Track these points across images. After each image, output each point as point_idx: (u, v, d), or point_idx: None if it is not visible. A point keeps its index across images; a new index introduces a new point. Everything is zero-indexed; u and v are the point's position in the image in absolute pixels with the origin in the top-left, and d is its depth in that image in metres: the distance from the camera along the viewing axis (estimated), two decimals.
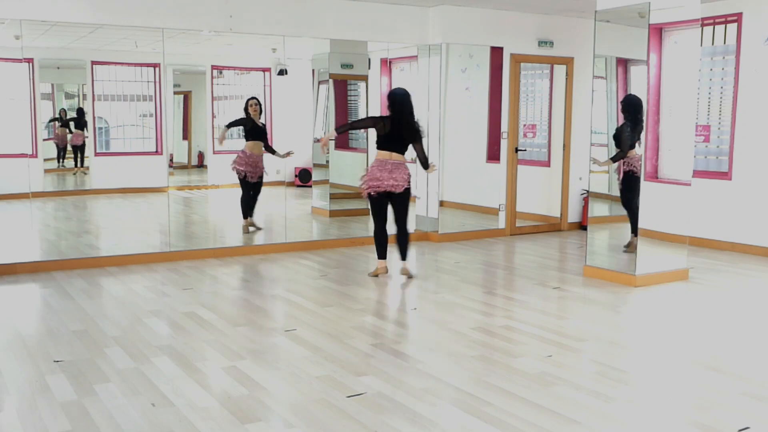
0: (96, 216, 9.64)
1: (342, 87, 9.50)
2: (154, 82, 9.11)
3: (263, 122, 8.48)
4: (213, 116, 9.38)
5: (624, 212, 7.14)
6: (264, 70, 9.88)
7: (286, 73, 9.63)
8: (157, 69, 8.94)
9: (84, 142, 8.94)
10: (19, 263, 6.78)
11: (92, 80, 8.92)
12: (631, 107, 6.82)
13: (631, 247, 7.04)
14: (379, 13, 8.32)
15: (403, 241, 6.60)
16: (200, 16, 7.39)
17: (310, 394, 3.87)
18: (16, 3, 6.59)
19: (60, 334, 4.89)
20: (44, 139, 8.75)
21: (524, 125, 9.46)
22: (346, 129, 6.89)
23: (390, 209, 6.55)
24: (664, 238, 6.87)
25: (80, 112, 9.04)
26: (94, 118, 8.96)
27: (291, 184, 10.32)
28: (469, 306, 5.75)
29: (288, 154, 8.48)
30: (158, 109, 9.12)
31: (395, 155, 6.41)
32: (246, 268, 7.25)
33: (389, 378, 4.12)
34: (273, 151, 8.52)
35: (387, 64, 9.85)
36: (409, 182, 6.45)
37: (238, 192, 8.46)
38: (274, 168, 8.68)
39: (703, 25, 8.02)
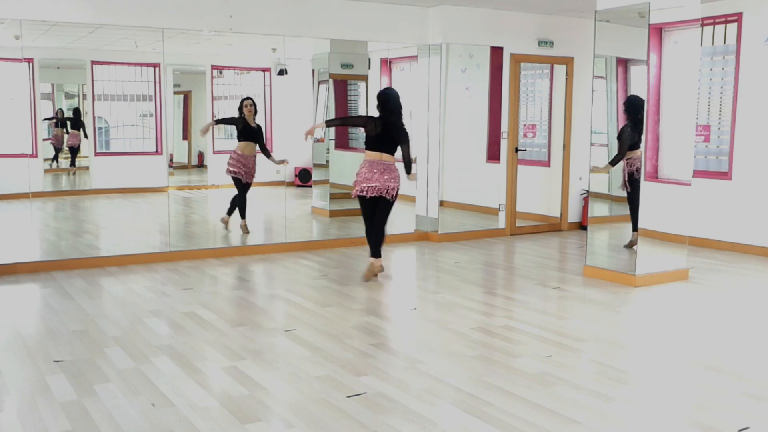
0: (96, 216, 9.64)
1: (342, 87, 9.50)
2: (154, 82, 9.11)
3: (258, 124, 8.39)
4: (213, 116, 9.38)
5: (624, 212, 7.14)
6: (264, 70, 9.88)
7: (286, 73, 9.63)
8: (157, 69, 8.94)
9: (80, 143, 8.93)
10: (19, 263, 6.78)
11: (92, 80, 8.92)
12: (633, 108, 6.81)
13: (630, 244, 7.05)
14: (379, 13, 8.32)
15: (379, 238, 6.52)
16: (200, 16, 7.39)
17: (310, 394, 3.87)
18: (16, 3, 6.59)
19: (60, 334, 4.89)
20: (44, 139, 8.75)
21: (524, 125, 9.47)
22: (336, 124, 6.80)
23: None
24: (664, 238, 6.87)
25: (76, 112, 9.03)
26: (94, 118, 8.96)
27: (291, 184, 10.32)
28: (469, 306, 5.76)
29: (282, 161, 8.41)
30: (158, 109, 9.12)
31: (385, 156, 6.37)
32: (246, 269, 7.25)
33: (389, 378, 4.12)
34: (268, 155, 8.43)
35: (387, 64, 9.85)
36: (398, 186, 6.41)
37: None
38: (272, 169, 8.65)
39: (703, 25, 8.02)
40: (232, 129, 8.61)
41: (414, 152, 8.82)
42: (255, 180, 8.43)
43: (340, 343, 4.76)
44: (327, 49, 8.73)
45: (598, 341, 4.91)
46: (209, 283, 6.65)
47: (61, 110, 8.98)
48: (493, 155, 9.13)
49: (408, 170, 6.48)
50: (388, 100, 6.39)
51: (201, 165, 9.70)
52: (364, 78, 9.45)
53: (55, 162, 8.86)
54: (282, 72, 9.65)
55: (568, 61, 9.34)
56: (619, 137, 7.19)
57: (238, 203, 8.35)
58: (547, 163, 9.64)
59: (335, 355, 4.51)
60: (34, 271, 6.79)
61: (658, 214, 6.62)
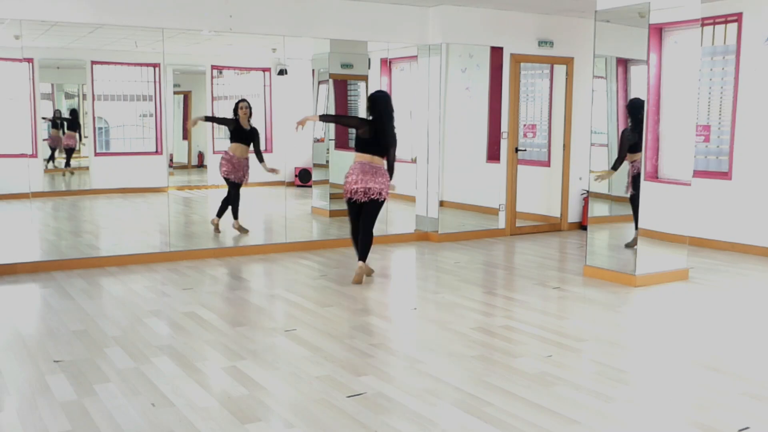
0: (96, 216, 9.64)
1: (342, 87, 9.50)
2: (154, 82, 9.11)
3: (254, 127, 8.31)
4: (213, 115, 9.37)
5: (624, 212, 7.14)
6: (264, 70, 9.88)
7: (286, 73, 9.63)
8: (157, 69, 8.93)
9: (76, 144, 8.92)
10: (19, 263, 6.78)
11: (92, 80, 8.92)
12: (637, 110, 6.76)
13: (632, 243, 7.05)
14: (379, 13, 8.32)
15: (366, 241, 6.44)
16: (200, 16, 7.39)
17: (310, 394, 3.87)
18: (16, 3, 6.59)
19: (60, 334, 4.89)
20: (44, 139, 8.75)
21: (524, 125, 9.47)
22: (330, 120, 6.70)
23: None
24: (664, 238, 6.87)
25: (73, 113, 9.02)
26: (94, 118, 8.96)
27: (291, 184, 10.32)
28: (469, 306, 5.75)
29: (273, 170, 8.35)
30: (158, 109, 9.12)
31: (376, 158, 6.34)
32: (246, 268, 7.25)
33: (389, 378, 4.12)
34: (261, 159, 8.35)
35: (387, 64, 9.85)
36: (387, 190, 6.37)
37: (243, 191, 8.44)
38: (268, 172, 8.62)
39: (703, 25, 8.02)
40: (222, 129, 8.61)
41: (414, 153, 8.83)
42: (255, 180, 8.41)
43: (340, 343, 4.76)
44: (327, 49, 8.72)
45: (598, 341, 4.91)
46: (209, 283, 6.65)
47: (59, 111, 8.97)
48: (493, 155, 9.13)
49: (390, 176, 6.43)
50: (378, 102, 6.34)
51: (201, 165, 9.70)
52: (364, 78, 9.44)
53: (51, 162, 8.85)
54: (282, 72, 9.65)
55: (568, 61, 9.34)
56: (621, 138, 7.19)
57: (231, 203, 8.32)
58: (547, 163, 9.64)
59: (335, 355, 4.51)
60: (34, 271, 6.79)
61: (658, 214, 6.62)
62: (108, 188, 9.31)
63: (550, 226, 9.62)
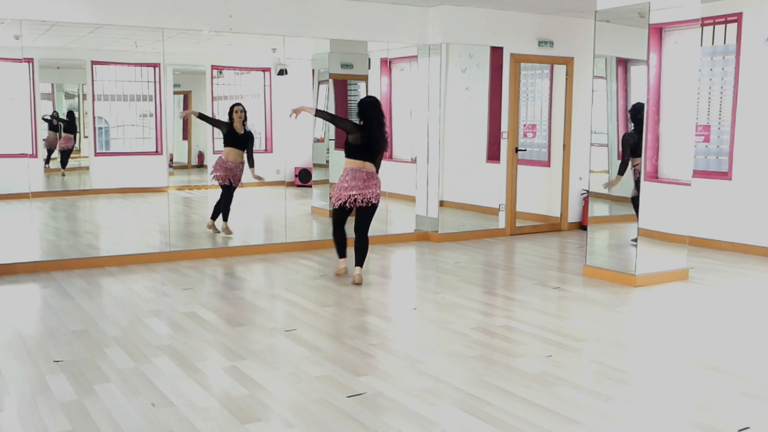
0: (96, 216, 9.64)
1: (342, 87, 9.49)
2: (154, 82, 9.11)
3: (250, 130, 8.24)
4: (213, 116, 9.37)
5: (624, 212, 7.13)
6: (264, 70, 9.87)
7: (286, 73, 9.63)
8: (157, 69, 8.93)
9: (73, 146, 8.92)
10: (19, 263, 6.78)
11: (92, 80, 8.92)
12: (641, 115, 6.72)
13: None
14: (379, 13, 8.32)
15: (363, 248, 6.45)
16: (200, 16, 7.39)
17: (310, 394, 3.87)
18: (16, 3, 6.59)
19: (60, 334, 4.89)
20: (44, 139, 8.75)
21: (524, 125, 9.47)
22: (325, 117, 6.58)
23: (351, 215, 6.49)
24: (664, 238, 6.87)
25: (70, 115, 9.02)
26: (94, 118, 8.96)
27: (291, 184, 10.32)
28: (469, 306, 5.76)
29: (259, 177, 8.29)
30: (158, 109, 9.12)
31: (367, 164, 6.35)
32: (246, 268, 7.25)
33: (389, 378, 4.12)
34: (251, 164, 8.27)
35: (387, 64, 9.85)
36: (379, 195, 6.39)
37: (238, 192, 8.42)
38: (272, 169, 8.62)
39: (703, 25, 8.02)
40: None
41: (414, 153, 8.84)
42: (255, 180, 8.40)
43: (340, 343, 4.76)
44: (327, 49, 8.72)
45: (598, 341, 4.91)
46: (209, 283, 6.65)
47: (56, 113, 8.97)
48: (493, 155, 9.13)
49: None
50: (367, 108, 6.32)
51: (201, 165, 9.70)
52: (364, 78, 9.44)
53: (46, 164, 8.85)
54: (282, 72, 9.65)
55: (568, 61, 9.34)
56: (623, 143, 7.19)
57: (222, 206, 8.32)
58: (547, 163, 9.64)
59: (335, 355, 4.51)
60: (34, 271, 6.79)
61: (658, 214, 6.62)
62: (108, 188, 9.31)
63: (550, 226, 9.62)
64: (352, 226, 6.54)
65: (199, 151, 9.69)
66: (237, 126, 8.15)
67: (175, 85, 9.34)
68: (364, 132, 6.28)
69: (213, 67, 9.47)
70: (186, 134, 9.67)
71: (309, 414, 3.61)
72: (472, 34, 8.75)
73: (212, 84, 9.46)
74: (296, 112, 6.40)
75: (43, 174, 8.79)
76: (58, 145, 8.89)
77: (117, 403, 3.71)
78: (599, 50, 6.92)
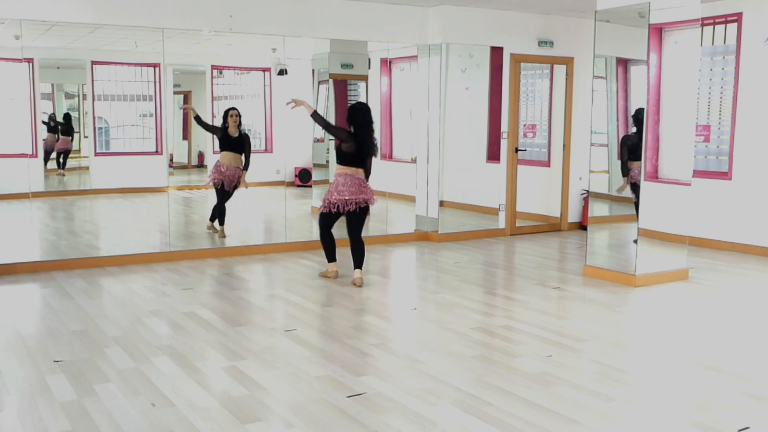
0: (96, 216, 9.64)
1: (342, 87, 9.50)
2: (154, 82, 9.11)
3: (245, 133, 8.20)
4: (213, 116, 9.36)
5: (624, 212, 7.14)
6: (264, 70, 9.87)
7: (286, 73, 9.62)
8: (157, 69, 8.93)
9: (70, 147, 8.93)
10: (19, 263, 6.78)
11: (92, 80, 8.92)
12: (642, 116, 6.70)
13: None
14: (379, 13, 8.32)
15: (361, 250, 6.47)
16: (200, 16, 7.39)
17: (310, 394, 3.87)
18: (16, 3, 6.59)
19: (60, 334, 4.89)
20: (43, 139, 8.75)
21: (524, 125, 9.47)
22: (320, 122, 6.55)
23: (341, 220, 6.51)
24: (664, 238, 6.87)
25: (67, 117, 9.02)
26: (94, 118, 8.96)
27: (291, 184, 10.32)
28: (469, 306, 5.75)
29: (245, 184, 8.23)
30: (158, 109, 9.12)
31: (360, 170, 6.38)
32: (246, 268, 7.25)
33: (389, 378, 4.12)
34: (246, 167, 8.21)
35: (387, 64, 9.85)
36: (372, 199, 6.43)
37: (238, 193, 8.42)
38: (272, 169, 8.62)
39: (703, 25, 8.02)
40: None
41: (414, 153, 8.84)
42: (255, 180, 8.40)
43: (340, 343, 4.76)
44: (327, 49, 8.72)
45: (598, 341, 4.91)
46: (209, 283, 6.65)
47: (54, 115, 8.97)
48: (493, 155, 9.13)
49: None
50: (357, 115, 6.34)
51: (201, 165, 9.69)
52: (364, 78, 9.45)
53: (46, 165, 8.86)
54: (282, 72, 9.65)
55: (568, 61, 9.34)
56: (621, 144, 7.19)
57: (215, 208, 8.32)
58: (547, 163, 9.64)
59: (335, 355, 4.51)
60: (34, 271, 6.79)
61: (658, 214, 6.62)
62: (108, 188, 9.31)
63: (550, 226, 9.62)
64: (339, 231, 6.56)
65: (199, 151, 9.68)
66: (232, 130, 8.11)
67: (175, 85, 9.34)
68: (356, 139, 6.32)
69: (213, 67, 9.47)
70: (186, 134, 9.67)
71: (309, 414, 3.61)
72: (472, 34, 8.75)
73: (212, 84, 9.46)
74: (296, 102, 6.40)
75: (43, 174, 8.79)
76: (55, 147, 8.89)
77: (117, 403, 3.71)
78: (599, 50, 6.92)
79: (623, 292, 6.30)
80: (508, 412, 3.62)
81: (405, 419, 3.54)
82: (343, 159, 6.38)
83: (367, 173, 6.48)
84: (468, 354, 4.57)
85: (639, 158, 6.80)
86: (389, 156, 10.31)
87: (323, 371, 4.21)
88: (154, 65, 8.95)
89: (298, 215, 9.16)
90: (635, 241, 6.55)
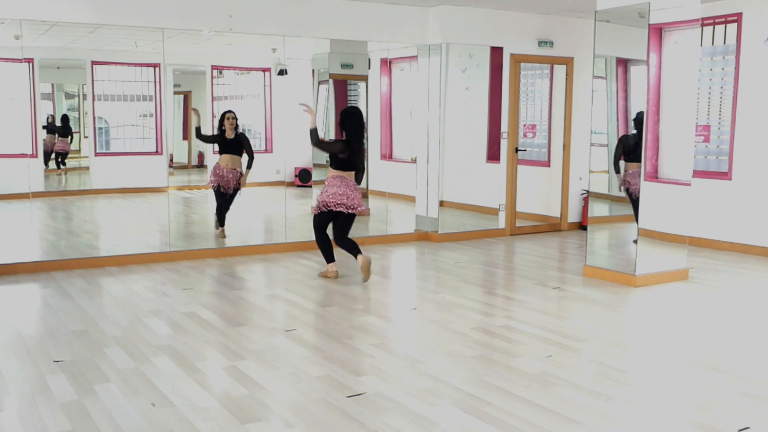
0: (96, 216, 9.64)
1: (342, 87, 9.50)
2: (154, 82, 9.11)
3: (240, 132, 8.18)
4: (213, 116, 9.37)
5: (624, 212, 7.14)
6: (264, 70, 9.87)
7: (286, 73, 9.63)
8: (157, 69, 8.93)
9: (68, 149, 8.94)
10: (19, 263, 6.78)
11: (92, 80, 8.92)
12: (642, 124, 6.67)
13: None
14: (379, 13, 8.32)
15: (350, 243, 6.56)
16: (200, 16, 7.39)
17: (310, 394, 3.87)
18: (16, 3, 6.59)
19: (60, 334, 4.89)
20: (43, 139, 8.75)
21: (524, 125, 9.47)
22: (314, 139, 6.56)
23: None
24: (664, 238, 6.86)
25: (64, 119, 9.02)
26: (94, 118, 8.96)
27: (291, 184, 10.32)
28: (469, 306, 5.76)
29: (245, 184, 8.27)
30: (158, 109, 9.12)
31: (352, 174, 6.55)
32: (246, 268, 7.25)
33: (389, 378, 4.12)
34: (249, 165, 8.24)
35: (387, 64, 9.85)
36: (361, 205, 6.58)
37: (239, 195, 8.42)
38: (272, 169, 8.62)
39: (703, 25, 8.02)
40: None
41: (414, 153, 8.84)
42: (255, 180, 8.40)
43: (340, 343, 4.76)
44: (327, 49, 8.72)
45: (598, 341, 4.91)
46: (209, 283, 6.65)
47: (52, 116, 8.97)
48: (493, 155, 9.13)
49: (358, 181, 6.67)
50: (349, 120, 6.46)
51: (201, 165, 9.69)
52: (364, 78, 9.45)
53: (46, 165, 8.87)
54: (282, 72, 9.65)
55: (568, 61, 9.34)
56: (619, 141, 7.19)
57: (217, 212, 8.31)
58: (547, 163, 9.64)
59: (335, 355, 4.51)
60: (34, 271, 6.79)
61: (658, 214, 6.62)
62: (108, 188, 9.31)
63: (550, 226, 9.62)
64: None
65: (199, 152, 9.68)
66: (228, 133, 8.11)
67: (175, 85, 9.34)
68: (347, 146, 6.45)
69: (213, 67, 9.47)
70: (186, 134, 9.67)
71: (309, 414, 3.61)
72: (472, 34, 8.75)
73: (212, 84, 9.46)
74: (308, 109, 6.53)
75: (43, 174, 8.79)
76: (54, 149, 8.90)
77: (117, 403, 3.71)
78: (599, 50, 6.92)
79: (623, 292, 6.30)
80: (508, 412, 3.62)
81: (405, 419, 3.54)
82: (337, 164, 6.52)
83: (360, 176, 6.62)
84: (468, 354, 4.57)
85: (636, 161, 6.82)
86: (389, 156, 10.31)
87: (323, 371, 4.21)
88: (154, 65, 8.95)
89: (298, 215, 9.15)
90: (635, 241, 6.56)
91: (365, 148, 6.63)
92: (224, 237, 8.29)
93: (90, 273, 6.79)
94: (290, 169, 10.30)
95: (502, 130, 9.03)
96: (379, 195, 9.40)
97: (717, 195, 8.19)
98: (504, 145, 9.06)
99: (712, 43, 8.29)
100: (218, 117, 8.30)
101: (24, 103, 8.42)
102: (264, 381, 4.05)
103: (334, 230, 6.61)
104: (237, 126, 8.19)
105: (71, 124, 9.09)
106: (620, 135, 7.41)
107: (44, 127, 8.74)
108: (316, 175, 9.66)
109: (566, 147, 9.50)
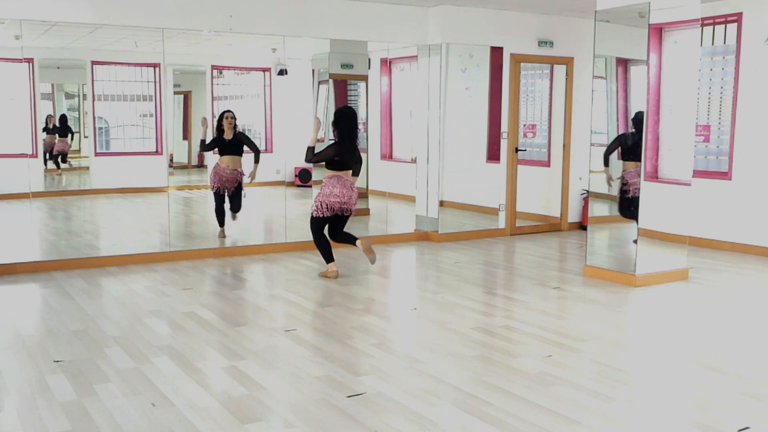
0: (96, 216, 9.64)
1: (342, 87, 9.50)
2: (154, 82, 9.11)
3: (238, 132, 8.17)
4: (213, 116, 9.37)
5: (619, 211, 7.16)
6: (264, 70, 9.87)
7: (286, 73, 9.63)
8: (157, 69, 8.94)
9: (68, 148, 8.94)
10: (19, 263, 6.78)
11: (92, 80, 8.92)
12: (641, 124, 6.66)
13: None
14: (379, 13, 8.32)
15: (347, 235, 6.73)
16: (200, 16, 7.39)
17: (310, 394, 3.87)
18: (16, 3, 6.59)
19: (60, 334, 4.89)
20: (43, 140, 8.75)
21: (524, 125, 9.47)
22: (309, 153, 6.62)
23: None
24: (664, 238, 6.86)
25: (63, 119, 9.03)
26: (94, 118, 8.96)
27: (291, 184, 10.32)
28: (469, 306, 5.75)
29: (252, 176, 8.32)
30: (158, 109, 9.12)
31: (348, 173, 6.60)
32: (246, 268, 7.25)
33: (389, 378, 4.12)
34: (256, 159, 8.29)
35: (387, 64, 9.85)
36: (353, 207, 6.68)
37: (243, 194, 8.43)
38: (272, 169, 8.63)
39: (703, 25, 8.02)
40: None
41: (414, 153, 8.85)
42: (256, 180, 8.39)
43: (340, 343, 4.76)
44: (327, 49, 8.72)
45: (598, 341, 4.91)
46: (209, 283, 6.65)
47: (51, 116, 8.97)
48: (493, 155, 9.13)
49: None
50: (342, 120, 6.53)
51: (201, 165, 9.70)
52: (364, 78, 9.44)
53: (46, 165, 8.87)
54: (282, 72, 9.65)
55: (568, 61, 9.34)
56: (617, 138, 7.19)
57: (216, 213, 8.31)
58: (547, 163, 9.64)
59: (335, 355, 4.51)
60: (34, 271, 6.79)
61: (658, 214, 6.62)
62: (108, 188, 9.31)
63: (550, 226, 9.62)
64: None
65: (199, 152, 9.68)
66: (226, 134, 8.10)
67: (175, 85, 9.34)
68: (341, 147, 6.51)
69: (213, 67, 9.47)
70: (186, 134, 9.68)
71: (309, 414, 3.61)
72: (472, 34, 8.75)
73: (212, 84, 9.46)
74: (316, 125, 6.75)
75: (43, 174, 8.79)
76: (54, 149, 8.90)
77: (117, 403, 3.71)
78: (599, 50, 6.92)
79: (623, 292, 6.30)
80: (508, 412, 3.62)
81: (405, 419, 3.54)
82: (332, 164, 6.58)
83: (358, 168, 6.69)
84: (468, 354, 4.57)
85: (633, 160, 6.82)
86: (389, 156, 10.31)
87: (323, 371, 4.21)
88: (154, 65, 8.95)
89: (298, 215, 9.14)
90: (635, 241, 6.56)
91: (358, 145, 6.69)
92: (224, 237, 8.30)
93: (90, 273, 6.79)
94: (290, 169, 10.30)
95: (502, 130, 9.03)
96: (379, 195, 9.40)
97: (717, 195, 8.19)
98: (504, 145, 9.06)
99: (712, 43, 8.29)
100: (208, 140, 8.23)
101: (24, 103, 8.42)
102: (264, 381, 4.05)
103: (330, 229, 6.74)
104: (236, 126, 8.18)
105: (71, 123, 9.09)
106: (620, 133, 7.40)
107: (44, 129, 8.75)
108: (316, 175, 9.66)
109: (566, 147, 9.50)
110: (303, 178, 10.46)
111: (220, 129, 8.12)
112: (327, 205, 6.55)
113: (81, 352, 4.52)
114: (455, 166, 9.01)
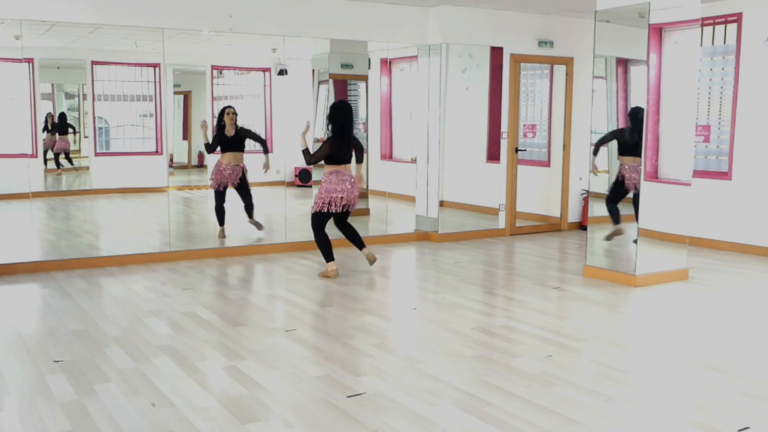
0: (96, 216, 9.64)
1: (342, 87, 9.50)
2: (154, 82, 9.11)
3: (239, 128, 8.14)
4: (213, 116, 9.37)
5: (624, 212, 7.14)
6: (264, 70, 9.87)
7: (286, 73, 9.63)
8: (157, 69, 8.94)
9: (68, 147, 8.94)
10: (19, 263, 6.78)
11: (92, 80, 8.92)
12: (641, 116, 6.66)
13: (611, 235, 7.22)
14: (379, 13, 8.32)
15: (354, 232, 6.86)
16: (200, 16, 7.39)
17: (310, 394, 3.87)
18: (16, 3, 6.59)
19: (60, 334, 4.89)
20: (43, 139, 8.76)
21: (524, 125, 9.47)
22: (308, 158, 6.70)
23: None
24: (664, 238, 6.87)
25: (62, 117, 9.03)
26: (94, 118, 8.97)
27: (291, 184, 10.32)
28: (469, 306, 5.76)
29: (266, 166, 8.41)
30: (158, 109, 9.12)
31: (348, 166, 6.64)
32: (246, 268, 7.25)
33: (389, 378, 4.12)
34: (265, 150, 8.36)
35: (387, 64, 9.85)
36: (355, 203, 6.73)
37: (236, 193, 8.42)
38: (272, 169, 8.64)
39: (703, 25, 8.02)
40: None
41: (414, 153, 8.85)
42: (255, 180, 8.40)
43: (340, 343, 4.76)
44: (327, 49, 8.72)
45: (598, 341, 4.91)
46: (209, 283, 6.65)
47: (51, 115, 8.97)
48: (493, 155, 9.13)
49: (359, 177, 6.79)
50: (337, 115, 6.58)
51: (201, 165, 9.70)
52: (364, 78, 9.45)
53: (45, 165, 8.87)
54: (282, 72, 9.65)
55: (568, 61, 9.34)
56: (614, 132, 7.22)
57: (216, 211, 8.32)
58: (547, 163, 9.64)
59: (335, 355, 4.51)
60: (34, 271, 6.79)
61: (658, 214, 6.62)
62: (108, 188, 9.31)
63: (550, 226, 9.62)
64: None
65: (199, 152, 9.69)
66: (228, 130, 8.09)
67: (175, 85, 9.34)
68: (336, 142, 6.55)
69: (213, 67, 9.47)
70: (186, 134, 9.68)
71: (309, 414, 3.61)
72: (472, 34, 8.75)
73: (212, 84, 9.47)
74: (306, 129, 6.80)
75: (43, 174, 8.79)
76: (54, 147, 8.90)
77: (117, 403, 3.71)
78: (599, 50, 6.92)
79: (623, 292, 6.30)
80: (508, 412, 3.62)
81: (405, 419, 3.54)
82: (329, 160, 6.62)
83: (360, 155, 6.77)
84: (468, 354, 4.57)
85: (630, 155, 6.83)
86: (389, 156, 10.31)
87: (323, 371, 4.21)
88: (154, 65, 8.95)
89: (298, 215, 9.15)
90: (635, 241, 6.56)
91: (353, 140, 6.72)
92: (224, 237, 8.30)
93: (90, 273, 6.79)
94: (290, 169, 10.30)
95: (502, 130, 9.03)
96: (379, 195, 9.40)
97: (717, 195, 8.19)
98: (504, 145, 9.06)
99: (712, 43, 8.29)
100: (210, 141, 8.22)
101: (24, 103, 8.42)
102: (264, 381, 4.05)
103: (336, 221, 6.84)
104: (237, 122, 8.18)
105: (70, 122, 9.08)
106: (620, 128, 7.41)
107: (44, 129, 8.75)
108: (316, 175, 9.66)
109: (566, 147, 9.50)
110: (303, 178, 10.46)
111: (221, 125, 8.11)
112: (327, 201, 6.58)
113: (81, 352, 4.52)
114: (455, 166, 9.01)
